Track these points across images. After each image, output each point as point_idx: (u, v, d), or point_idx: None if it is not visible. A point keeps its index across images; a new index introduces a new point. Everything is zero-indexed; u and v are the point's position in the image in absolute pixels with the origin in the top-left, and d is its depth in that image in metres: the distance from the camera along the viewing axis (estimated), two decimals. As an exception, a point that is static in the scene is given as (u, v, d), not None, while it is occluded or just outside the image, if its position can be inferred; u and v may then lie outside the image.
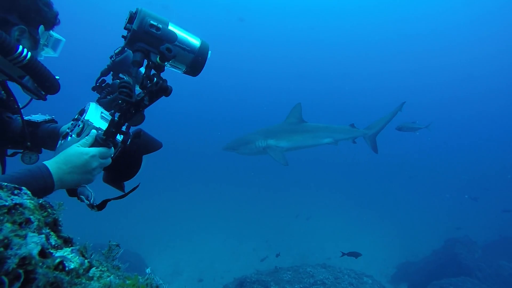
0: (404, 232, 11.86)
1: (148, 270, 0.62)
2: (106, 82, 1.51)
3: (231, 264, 9.38)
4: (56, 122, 1.64)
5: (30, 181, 1.04)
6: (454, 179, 21.58)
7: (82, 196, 1.16)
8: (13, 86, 1.40)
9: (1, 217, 0.53)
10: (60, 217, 0.67)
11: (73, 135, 1.22)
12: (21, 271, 0.46)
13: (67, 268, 0.52)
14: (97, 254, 0.65)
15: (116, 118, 1.16)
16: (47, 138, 1.56)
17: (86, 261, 0.57)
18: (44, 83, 1.24)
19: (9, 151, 1.54)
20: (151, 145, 1.30)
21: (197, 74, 1.22)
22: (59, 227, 0.65)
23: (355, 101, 34.99)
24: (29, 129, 1.55)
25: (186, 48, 1.15)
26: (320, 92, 35.44)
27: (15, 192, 0.63)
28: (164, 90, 1.09)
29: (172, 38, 1.11)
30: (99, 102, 1.42)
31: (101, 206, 1.17)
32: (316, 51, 34.13)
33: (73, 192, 1.20)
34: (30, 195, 0.64)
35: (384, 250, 10.44)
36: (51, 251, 0.55)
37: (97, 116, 1.25)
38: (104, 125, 1.22)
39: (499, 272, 7.73)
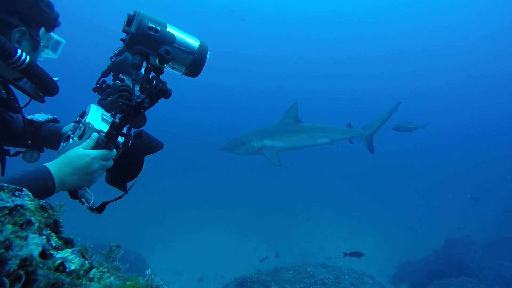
0: (404, 232, 11.85)
1: (148, 271, 0.62)
2: (107, 83, 1.51)
3: (232, 264, 9.39)
4: (58, 122, 1.65)
5: (31, 183, 1.05)
6: (454, 179, 21.55)
7: (83, 199, 1.17)
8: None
9: (2, 219, 0.54)
10: (60, 218, 0.67)
11: (74, 138, 1.22)
12: (22, 272, 0.46)
13: (67, 269, 0.52)
14: (98, 255, 0.66)
15: (117, 120, 1.17)
16: (49, 137, 1.56)
17: (86, 262, 0.57)
18: (42, 86, 1.24)
19: (12, 151, 1.54)
20: (153, 146, 1.31)
21: (197, 75, 1.22)
22: (60, 228, 0.65)
23: (354, 101, 34.99)
24: (31, 129, 1.55)
25: (185, 49, 1.14)
26: (319, 92, 35.48)
27: (16, 193, 0.63)
28: (163, 92, 1.09)
29: (170, 40, 1.11)
30: (100, 103, 1.42)
31: (101, 208, 1.17)
32: (314, 51, 34.16)
33: (75, 194, 1.21)
34: (31, 196, 0.65)
35: (384, 250, 10.44)
36: (52, 252, 0.55)
37: (98, 119, 1.26)
38: (105, 127, 1.23)
39: (500, 272, 7.72)
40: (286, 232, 11.20)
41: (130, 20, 1.09)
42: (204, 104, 35.30)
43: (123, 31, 1.10)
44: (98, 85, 1.51)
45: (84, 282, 0.53)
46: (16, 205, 0.58)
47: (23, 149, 1.57)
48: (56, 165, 1.14)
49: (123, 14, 1.13)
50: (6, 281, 0.44)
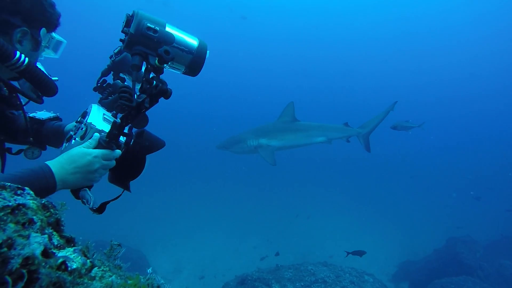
0: (405, 231, 11.85)
1: (149, 270, 0.63)
2: (107, 82, 1.52)
3: (232, 262, 9.42)
4: (61, 120, 1.66)
5: (33, 181, 1.05)
6: (456, 178, 21.51)
7: (84, 200, 1.18)
8: (16, 84, 1.41)
9: (5, 217, 0.54)
10: (62, 217, 0.68)
11: (77, 138, 1.23)
12: (24, 271, 0.47)
13: (69, 268, 0.53)
14: (99, 254, 0.66)
15: (118, 120, 1.17)
16: (51, 135, 1.57)
17: (88, 261, 0.57)
18: (41, 87, 1.25)
19: (14, 149, 1.55)
20: (154, 144, 1.31)
21: (197, 74, 1.22)
22: (62, 227, 0.66)
23: (352, 100, 34.90)
24: (34, 126, 1.57)
25: (184, 49, 1.15)
26: (317, 91, 35.42)
27: (18, 192, 0.63)
28: (163, 92, 1.09)
29: (169, 39, 1.11)
30: (101, 103, 1.42)
31: (101, 209, 1.19)
32: (313, 49, 34.05)
33: (78, 194, 1.22)
34: (33, 195, 0.65)
35: (385, 249, 10.44)
36: (54, 251, 0.55)
37: (99, 119, 1.27)
38: (106, 127, 1.24)
39: (501, 271, 7.72)
40: (287, 231, 11.22)
41: (129, 21, 1.09)
42: (205, 102, 35.30)
43: (122, 31, 1.11)
44: (98, 84, 1.51)
45: (85, 281, 0.53)
46: (19, 204, 0.58)
47: (24, 147, 1.58)
48: (58, 163, 1.15)
49: (124, 12, 1.13)
50: (9, 279, 0.45)
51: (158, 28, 1.09)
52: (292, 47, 34.08)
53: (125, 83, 1.45)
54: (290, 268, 5.58)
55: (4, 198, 0.58)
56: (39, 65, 1.40)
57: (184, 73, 1.21)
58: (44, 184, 1.09)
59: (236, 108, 34.67)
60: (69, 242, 0.63)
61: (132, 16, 1.09)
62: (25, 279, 0.46)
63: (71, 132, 1.31)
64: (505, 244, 9.72)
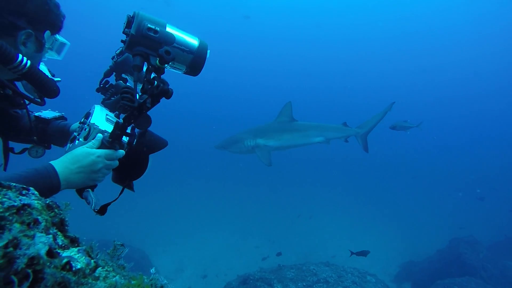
0: (408, 231, 11.80)
1: (152, 270, 0.63)
2: (110, 83, 1.53)
3: (234, 262, 9.43)
4: (66, 119, 1.67)
5: (37, 181, 1.06)
6: (459, 178, 21.39)
7: (87, 201, 1.20)
8: (20, 85, 1.43)
9: (10, 217, 0.55)
10: (66, 217, 0.68)
11: (80, 139, 1.25)
12: (29, 270, 0.47)
13: (74, 268, 0.53)
14: (103, 254, 0.67)
15: (120, 121, 1.18)
16: (57, 134, 1.59)
17: (92, 261, 0.58)
18: (42, 89, 1.26)
19: (18, 148, 1.57)
20: (157, 144, 1.32)
21: (197, 74, 1.23)
22: (66, 227, 0.66)
23: (353, 100, 34.79)
24: (40, 125, 1.58)
25: (184, 49, 1.15)
26: (317, 91, 35.43)
27: (23, 192, 0.64)
28: (165, 92, 1.10)
29: (170, 40, 1.12)
30: (104, 103, 1.43)
31: (102, 211, 1.20)
32: (312, 49, 34.04)
33: (81, 193, 1.23)
34: (38, 195, 0.66)
35: (387, 249, 10.41)
36: (58, 251, 0.56)
37: (102, 119, 1.28)
38: (109, 128, 1.25)
39: (505, 272, 7.67)
40: (289, 230, 11.21)
41: (129, 22, 1.10)
42: (206, 101, 35.37)
43: (123, 32, 1.12)
44: (101, 85, 1.52)
45: (90, 281, 0.53)
46: (24, 204, 0.59)
47: (28, 146, 1.59)
48: (62, 163, 1.16)
49: (126, 13, 1.14)
50: (15, 279, 0.45)
51: (158, 29, 1.09)
52: (291, 47, 34.06)
53: (127, 84, 1.46)
54: (292, 268, 5.58)
55: (9, 198, 0.58)
56: (42, 65, 1.41)
57: (185, 73, 1.22)
58: (49, 184, 1.10)
59: (237, 107, 34.70)
60: (73, 242, 0.64)
61: (133, 17, 1.10)
62: (30, 279, 0.47)
63: (74, 133, 1.32)
64: (509, 245, 9.66)
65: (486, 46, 31.94)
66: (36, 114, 1.61)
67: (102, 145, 1.21)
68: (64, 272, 0.51)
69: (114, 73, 1.55)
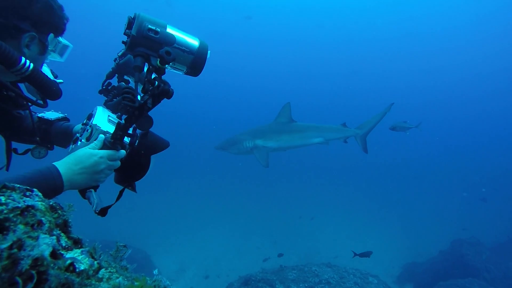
0: (410, 232, 11.75)
1: (155, 271, 0.63)
2: (112, 84, 1.54)
3: (236, 262, 9.42)
4: (69, 120, 1.69)
5: (41, 182, 1.07)
6: (461, 179, 21.29)
7: (90, 201, 1.20)
8: (23, 86, 1.44)
9: (15, 219, 0.55)
10: (70, 219, 0.69)
11: (82, 140, 1.26)
12: (34, 272, 0.48)
13: (77, 270, 0.53)
14: (105, 255, 0.67)
15: (122, 121, 1.19)
16: (60, 135, 1.60)
17: (95, 262, 0.58)
18: (45, 91, 1.28)
19: (21, 149, 1.58)
20: (159, 145, 1.33)
21: (198, 74, 1.24)
22: (69, 228, 0.67)
23: (354, 101, 34.68)
24: (43, 126, 1.60)
25: (185, 49, 1.16)
26: (317, 92, 35.37)
27: (27, 193, 0.64)
28: (165, 92, 1.11)
29: (170, 40, 1.13)
30: (106, 105, 1.45)
31: (103, 212, 1.21)
32: (312, 50, 33.97)
33: (84, 194, 1.24)
34: (41, 196, 0.66)
35: (390, 250, 10.37)
36: (62, 252, 0.56)
37: (104, 120, 1.29)
38: (111, 129, 1.26)
39: (508, 274, 7.62)
40: (290, 231, 11.20)
41: (130, 23, 1.11)
42: (208, 102, 35.43)
43: (125, 34, 1.13)
44: (104, 87, 1.54)
45: (93, 282, 0.54)
46: (28, 206, 0.59)
47: (31, 146, 1.61)
48: (65, 164, 1.17)
49: (128, 14, 1.15)
50: (19, 280, 0.45)
51: (159, 30, 1.10)
52: (292, 47, 34.05)
53: (129, 85, 1.47)
54: (294, 269, 5.57)
55: (13, 200, 0.59)
56: (44, 67, 1.42)
57: (186, 73, 1.22)
58: (52, 185, 1.11)
59: (238, 107, 34.73)
60: (77, 243, 0.64)
61: (134, 18, 1.11)
62: (34, 280, 0.47)
63: (77, 134, 1.33)
64: (512, 246, 9.60)
65: (490, 45, 31.79)
66: (39, 115, 1.62)
67: (104, 146, 1.22)
68: (68, 274, 0.52)
69: (116, 75, 1.56)
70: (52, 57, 1.43)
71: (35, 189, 0.66)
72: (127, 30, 1.12)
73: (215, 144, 7.35)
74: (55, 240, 0.56)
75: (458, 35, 31.80)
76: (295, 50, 34.04)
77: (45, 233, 0.56)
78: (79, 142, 1.26)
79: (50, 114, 1.65)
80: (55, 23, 1.31)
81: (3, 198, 0.57)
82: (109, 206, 1.24)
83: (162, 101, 1.15)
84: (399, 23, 32.11)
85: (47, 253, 0.52)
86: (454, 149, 30.67)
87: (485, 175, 21.72)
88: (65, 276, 0.50)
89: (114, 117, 1.34)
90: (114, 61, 1.54)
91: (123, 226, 10.67)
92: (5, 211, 0.54)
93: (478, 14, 29.44)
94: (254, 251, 10.21)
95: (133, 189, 1.35)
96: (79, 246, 0.64)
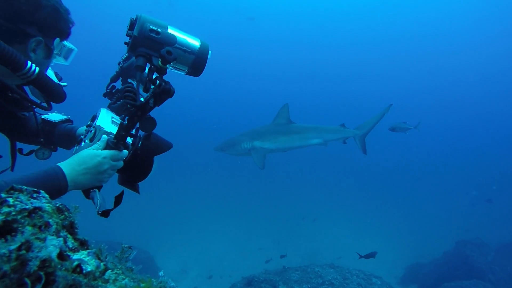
0: (414, 233, 11.68)
1: (161, 273, 0.64)
2: (116, 88, 1.55)
3: (239, 263, 9.42)
4: (72, 122, 1.70)
5: (46, 182, 1.09)
6: (463, 180, 21.13)
7: (94, 201, 1.22)
8: (27, 88, 1.46)
9: (23, 220, 0.56)
10: (76, 220, 0.69)
11: (86, 141, 1.28)
12: (42, 273, 0.48)
13: (84, 271, 0.54)
14: (111, 256, 0.68)
15: (125, 122, 1.20)
16: (63, 137, 1.62)
17: (102, 263, 0.59)
18: (50, 95, 1.29)
19: (26, 150, 1.60)
20: (161, 146, 1.34)
21: (199, 74, 1.25)
22: (76, 230, 0.67)
23: (355, 102, 34.53)
24: (47, 128, 1.61)
25: (186, 49, 1.17)
26: (318, 93, 35.24)
27: (34, 195, 0.65)
28: (167, 92, 1.12)
29: (171, 41, 1.14)
30: (110, 107, 1.46)
31: (106, 213, 1.22)
32: (313, 51, 33.87)
33: (88, 194, 1.25)
34: (48, 198, 0.67)
35: (393, 251, 10.31)
36: (69, 253, 0.57)
37: (107, 121, 1.30)
38: (114, 130, 1.27)
39: (513, 275, 7.55)
40: (293, 233, 11.18)
41: (132, 24, 1.13)
42: (209, 102, 35.49)
43: (127, 35, 1.15)
44: (108, 90, 1.55)
45: (100, 283, 0.54)
46: (35, 207, 0.60)
47: (36, 147, 1.63)
48: (69, 164, 1.18)
49: (132, 16, 1.16)
50: (28, 281, 0.46)
51: (160, 30, 1.12)
52: (293, 49, 33.99)
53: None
54: (297, 270, 5.55)
55: (21, 201, 0.59)
56: (49, 70, 1.44)
57: (188, 73, 1.24)
58: (57, 185, 1.12)
59: (239, 108, 34.76)
60: (83, 244, 0.65)
61: (136, 19, 1.13)
62: (42, 281, 0.48)
63: (81, 136, 1.35)
64: (517, 247, 9.49)
65: (491, 46, 31.55)
66: (43, 116, 1.64)
67: (107, 146, 1.24)
68: (75, 275, 0.52)
69: (120, 78, 1.57)
70: (57, 60, 1.44)
71: (42, 191, 0.67)
72: (129, 31, 1.14)
73: (214, 145, 7.34)
74: (62, 242, 0.56)
75: (459, 36, 31.59)
76: (296, 51, 34.00)
77: (52, 235, 0.57)
78: (83, 143, 1.28)
79: (54, 116, 1.67)
80: (61, 27, 1.33)
81: (11, 200, 0.58)
82: (112, 209, 1.25)
83: (164, 102, 1.16)
84: (398, 25, 31.98)
85: (54, 254, 0.52)
86: (458, 150, 30.45)
87: (489, 176, 21.54)
88: (73, 277, 0.51)
89: (117, 119, 1.36)
90: (118, 64, 1.56)
91: (126, 227, 10.72)
92: (13, 213, 0.55)
93: (480, 15, 29.25)
94: (257, 251, 10.21)
95: (136, 190, 1.36)
96: (85, 247, 0.65)
